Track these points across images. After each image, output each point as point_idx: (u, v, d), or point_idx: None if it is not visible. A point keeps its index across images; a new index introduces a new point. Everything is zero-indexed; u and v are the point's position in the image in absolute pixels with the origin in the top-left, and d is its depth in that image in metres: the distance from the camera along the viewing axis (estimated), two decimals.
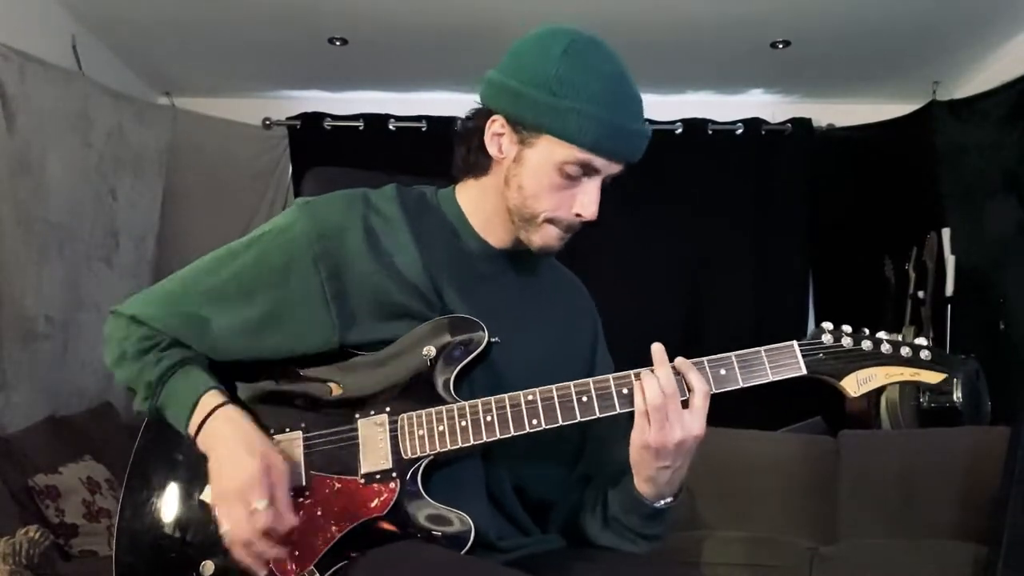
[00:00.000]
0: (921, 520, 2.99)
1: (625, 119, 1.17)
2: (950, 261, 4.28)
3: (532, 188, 1.19)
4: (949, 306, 4.21)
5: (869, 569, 2.71)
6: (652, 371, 1.13)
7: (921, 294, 4.14)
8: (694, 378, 1.13)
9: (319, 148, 4.56)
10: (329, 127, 4.69)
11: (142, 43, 4.07)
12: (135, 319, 1.23)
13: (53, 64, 3.38)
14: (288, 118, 4.70)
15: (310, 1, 3.66)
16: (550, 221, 1.21)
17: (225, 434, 1.16)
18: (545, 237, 1.22)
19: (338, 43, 4.07)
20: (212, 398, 1.18)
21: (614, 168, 1.20)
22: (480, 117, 1.24)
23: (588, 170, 1.18)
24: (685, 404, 1.12)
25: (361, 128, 4.68)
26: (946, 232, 4.30)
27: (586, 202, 1.19)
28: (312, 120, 4.69)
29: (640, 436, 1.13)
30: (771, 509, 3.14)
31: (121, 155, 3.87)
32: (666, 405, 1.11)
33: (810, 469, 3.21)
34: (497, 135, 1.21)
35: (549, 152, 1.17)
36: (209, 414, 1.17)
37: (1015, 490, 2.39)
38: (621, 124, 1.17)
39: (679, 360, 1.14)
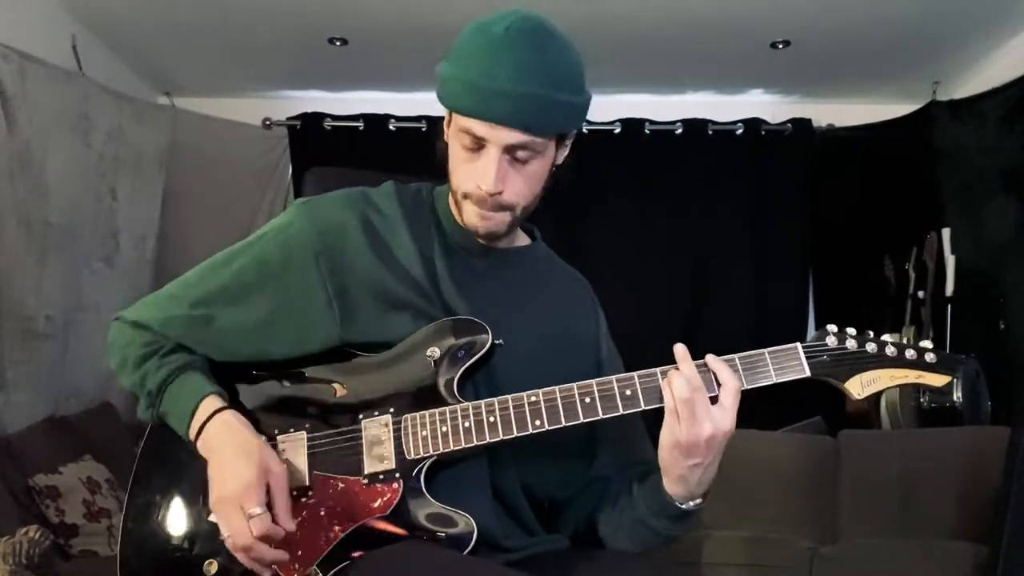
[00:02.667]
0: (921, 520, 2.99)
1: (484, 78, 1.11)
2: (950, 261, 4.29)
3: (451, 165, 1.22)
4: (949, 306, 4.22)
5: (869, 569, 2.71)
6: (677, 368, 1.12)
7: (921, 294, 4.15)
8: (725, 374, 1.12)
9: (319, 148, 4.56)
10: (329, 127, 4.68)
11: (142, 43, 4.07)
12: (138, 324, 1.24)
13: (53, 64, 3.37)
14: (288, 118, 4.70)
15: (310, 1, 3.66)
16: (466, 197, 1.20)
17: (223, 440, 1.16)
18: (467, 215, 1.21)
19: (338, 43, 4.07)
20: (211, 403, 1.18)
21: (500, 134, 1.13)
22: None
23: (475, 137, 1.15)
24: (713, 400, 1.12)
25: (361, 128, 4.67)
26: (946, 232, 4.31)
27: (479, 172, 1.17)
28: (312, 120, 4.68)
29: (670, 434, 1.11)
30: (771, 509, 3.14)
31: (121, 155, 3.87)
32: (694, 399, 1.10)
33: (810, 469, 3.22)
34: (445, 125, 1.24)
35: (452, 126, 1.20)
36: (207, 420, 1.17)
37: (1015, 490, 2.39)
38: (477, 82, 1.12)
39: (710, 357, 1.14)
